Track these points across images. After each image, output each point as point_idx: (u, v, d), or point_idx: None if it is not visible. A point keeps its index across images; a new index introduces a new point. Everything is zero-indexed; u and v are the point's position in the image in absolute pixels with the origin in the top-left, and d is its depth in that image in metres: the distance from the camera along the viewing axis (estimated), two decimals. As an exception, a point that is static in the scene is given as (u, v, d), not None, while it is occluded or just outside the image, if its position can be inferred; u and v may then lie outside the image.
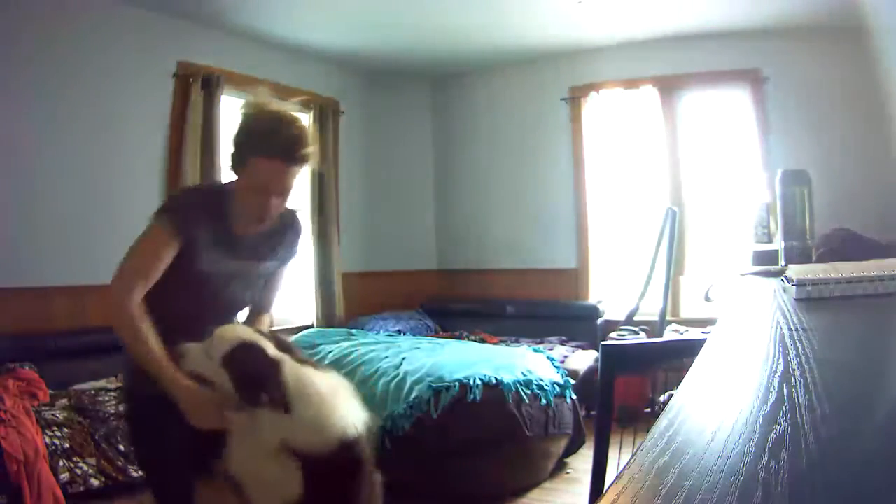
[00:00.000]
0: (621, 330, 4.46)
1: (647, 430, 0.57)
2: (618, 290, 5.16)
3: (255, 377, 1.34)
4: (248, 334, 1.43)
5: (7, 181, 3.53)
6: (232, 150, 1.55)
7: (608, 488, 0.45)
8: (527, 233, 5.65)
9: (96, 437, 2.95)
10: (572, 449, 3.53)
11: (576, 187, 5.39)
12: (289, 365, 1.38)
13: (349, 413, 1.39)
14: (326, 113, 5.37)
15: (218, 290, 1.61)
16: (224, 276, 1.60)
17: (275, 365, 1.36)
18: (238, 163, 1.53)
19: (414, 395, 3.10)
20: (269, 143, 1.46)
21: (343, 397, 1.43)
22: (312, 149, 1.52)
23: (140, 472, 2.45)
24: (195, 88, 4.28)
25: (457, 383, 3.12)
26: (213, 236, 1.56)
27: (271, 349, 1.41)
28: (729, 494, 0.40)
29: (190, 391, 1.41)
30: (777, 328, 0.92)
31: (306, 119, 5.31)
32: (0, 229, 3.48)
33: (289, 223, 1.72)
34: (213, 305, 1.61)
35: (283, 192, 1.53)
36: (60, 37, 3.73)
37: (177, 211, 1.53)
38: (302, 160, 1.51)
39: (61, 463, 2.77)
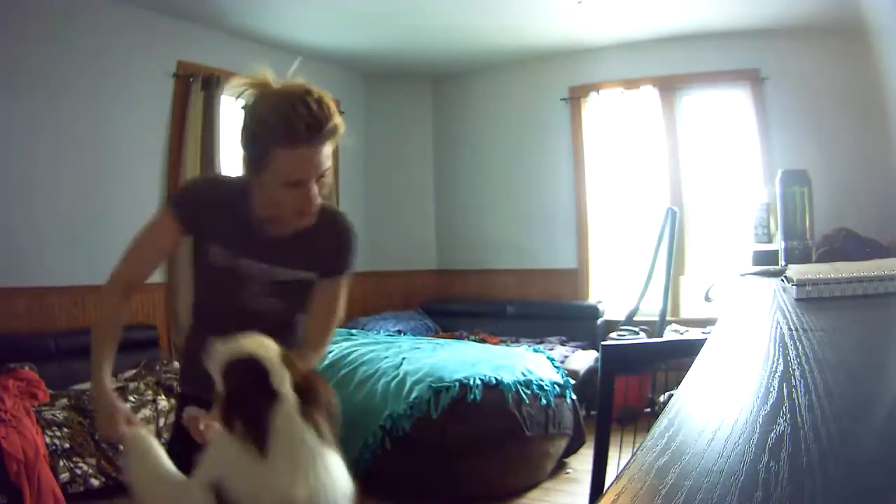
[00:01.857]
0: (621, 330, 4.46)
1: (647, 430, 0.57)
2: (618, 290, 5.16)
3: (242, 402, 1.10)
4: (265, 353, 1.14)
5: (7, 181, 3.52)
6: (244, 149, 1.34)
7: (608, 488, 0.45)
8: (527, 233, 5.65)
9: (96, 437, 2.94)
10: (572, 449, 3.53)
11: (576, 187, 5.39)
12: (288, 410, 1.09)
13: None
14: (326, 113, 5.37)
15: (233, 290, 1.44)
16: (238, 276, 1.43)
17: (271, 397, 1.09)
18: (257, 161, 1.31)
19: (414, 395, 3.10)
20: (286, 129, 1.24)
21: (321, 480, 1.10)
22: (338, 120, 1.29)
23: None
24: (195, 88, 4.28)
25: (457, 383, 3.12)
26: (225, 230, 1.42)
27: (283, 383, 1.11)
28: (729, 494, 0.40)
29: (102, 396, 1.36)
30: (777, 328, 0.92)
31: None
32: (0, 229, 3.48)
33: (327, 222, 1.44)
34: (232, 306, 1.45)
35: (320, 173, 1.31)
36: (60, 36, 3.73)
37: (183, 198, 1.47)
38: (329, 137, 1.28)
39: (61, 463, 2.77)
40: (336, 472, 1.12)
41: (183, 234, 1.43)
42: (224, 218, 1.42)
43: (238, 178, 1.48)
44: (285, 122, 1.24)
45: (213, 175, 1.55)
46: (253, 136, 1.30)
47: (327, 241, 1.47)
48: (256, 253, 1.43)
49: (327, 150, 1.30)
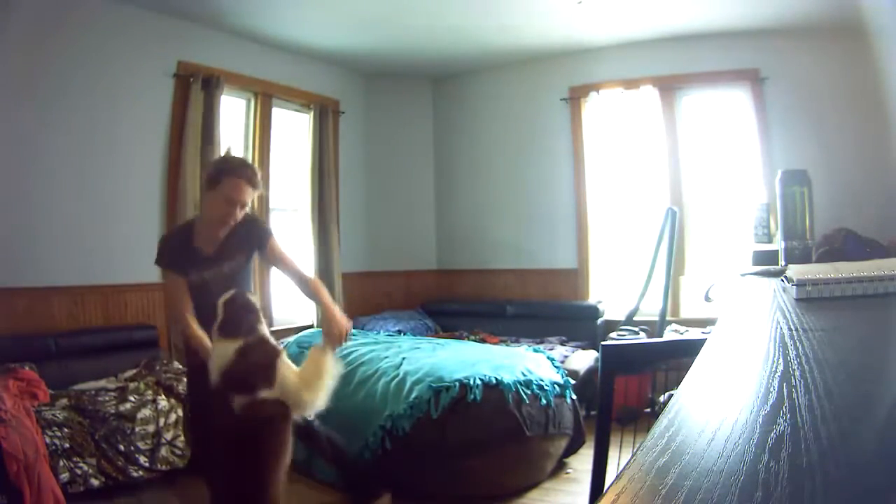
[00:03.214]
0: (621, 330, 4.46)
1: (647, 430, 0.57)
2: (618, 290, 5.16)
3: (237, 316, 2.19)
4: (250, 294, 2.30)
5: (6, 181, 3.52)
6: (207, 176, 2.39)
7: (608, 488, 0.45)
8: (527, 233, 5.65)
9: (96, 437, 2.95)
10: (572, 449, 3.53)
11: (576, 187, 5.39)
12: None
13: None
14: (326, 113, 5.38)
15: (209, 291, 2.32)
16: (207, 282, 2.38)
17: (253, 311, 2.22)
18: (213, 183, 2.34)
19: (414, 395, 3.10)
20: (239, 169, 2.36)
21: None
22: (258, 178, 2.41)
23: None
24: (195, 88, 4.28)
25: (457, 383, 3.12)
26: (185, 257, 2.38)
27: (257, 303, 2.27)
28: (729, 494, 0.40)
29: (194, 332, 2.26)
30: (777, 328, 0.92)
31: (307, 118, 5.34)
32: (0, 229, 3.48)
33: (243, 223, 2.43)
34: (210, 300, 2.26)
35: (244, 204, 2.37)
36: (59, 36, 3.73)
37: (162, 255, 2.41)
38: (256, 184, 2.38)
39: (61, 463, 2.77)
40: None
41: (179, 274, 2.36)
42: (185, 253, 2.39)
43: (186, 222, 2.54)
44: (239, 166, 2.39)
45: (170, 230, 2.85)
46: (218, 169, 2.38)
47: (243, 230, 2.44)
48: (209, 262, 2.40)
49: (251, 190, 2.37)
